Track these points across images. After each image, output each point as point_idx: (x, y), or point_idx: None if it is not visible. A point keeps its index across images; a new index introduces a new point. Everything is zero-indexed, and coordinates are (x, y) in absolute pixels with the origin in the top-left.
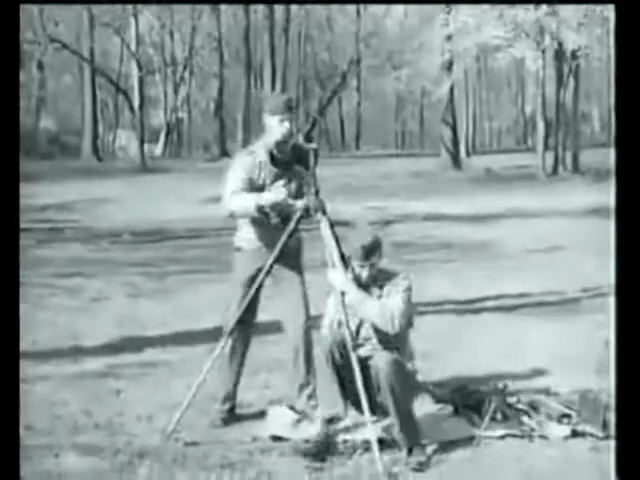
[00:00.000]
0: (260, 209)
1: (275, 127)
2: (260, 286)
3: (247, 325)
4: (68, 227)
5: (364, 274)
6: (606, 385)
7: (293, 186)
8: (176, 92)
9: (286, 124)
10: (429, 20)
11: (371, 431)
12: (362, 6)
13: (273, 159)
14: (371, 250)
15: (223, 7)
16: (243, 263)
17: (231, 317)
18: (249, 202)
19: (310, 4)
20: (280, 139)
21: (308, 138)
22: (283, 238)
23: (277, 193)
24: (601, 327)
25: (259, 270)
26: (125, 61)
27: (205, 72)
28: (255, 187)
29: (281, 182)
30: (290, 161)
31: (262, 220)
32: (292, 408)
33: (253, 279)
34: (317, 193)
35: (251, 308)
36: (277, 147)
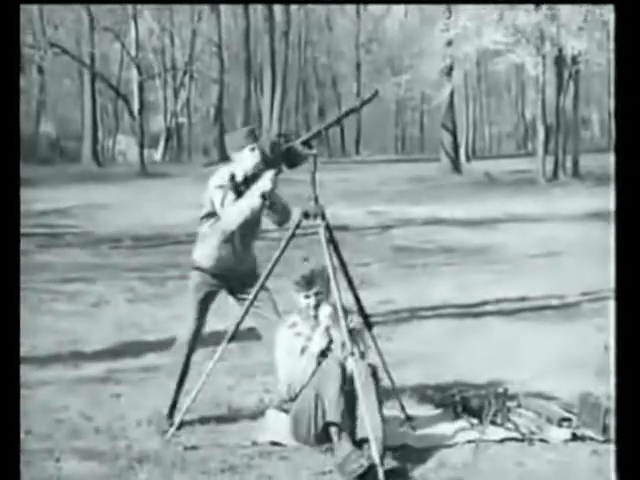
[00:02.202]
0: (264, 197)
1: (247, 158)
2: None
3: (198, 341)
4: (68, 232)
5: (311, 303)
6: (606, 389)
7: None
8: (176, 97)
9: (256, 152)
10: (429, 23)
11: (374, 449)
12: (362, 7)
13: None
14: (312, 279)
15: (223, 9)
16: (200, 282)
17: (187, 331)
18: (253, 197)
19: (310, 4)
20: (253, 169)
21: (308, 144)
22: (283, 244)
23: (270, 178)
24: (601, 331)
25: (214, 288)
26: (125, 66)
27: (205, 77)
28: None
29: (270, 172)
30: (277, 161)
31: (231, 237)
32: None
33: (208, 296)
34: (316, 199)
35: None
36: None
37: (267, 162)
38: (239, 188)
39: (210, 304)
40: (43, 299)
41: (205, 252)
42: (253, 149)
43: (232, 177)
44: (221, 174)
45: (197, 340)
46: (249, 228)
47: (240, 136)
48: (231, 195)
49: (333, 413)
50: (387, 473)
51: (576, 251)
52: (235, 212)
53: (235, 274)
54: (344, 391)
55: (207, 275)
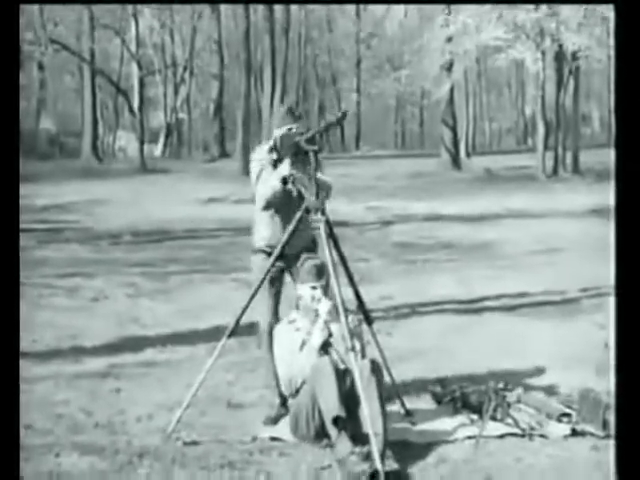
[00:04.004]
0: (285, 181)
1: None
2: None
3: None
4: (68, 227)
5: (316, 295)
6: (606, 384)
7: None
8: (176, 93)
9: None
10: (429, 21)
11: (374, 446)
12: (362, 6)
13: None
14: (322, 269)
15: (223, 8)
16: (263, 264)
17: (262, 319)
18: (273, 180)
19: (310, 4)
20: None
21: (311, 141)
22: (284, 238)
23: (289, 163)
24: (601, 327)
25: (276, 269)
26: (125, 62)
27: (205, 73)
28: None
29: (288, 160)
30: (289, 150)
31: (284, 207)
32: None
33: (274, 278)
34: (317, 194)
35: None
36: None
37: (278, 151)
38: (276, 164)
39: (280, 285)
40: (43, 294)
41: (261, 233)
42: (290, 129)
43: (271, 149)
44: (262, 147)
45: (274, 321)
46: (295, 207)
47: (280, 114)
48: (268, 171)
49: (333, 408)
50: (387, 474)
51: (576, 247)
52: (261, 192)
53: (292, 254)
54: (341, 387)
55: (267, 256)
